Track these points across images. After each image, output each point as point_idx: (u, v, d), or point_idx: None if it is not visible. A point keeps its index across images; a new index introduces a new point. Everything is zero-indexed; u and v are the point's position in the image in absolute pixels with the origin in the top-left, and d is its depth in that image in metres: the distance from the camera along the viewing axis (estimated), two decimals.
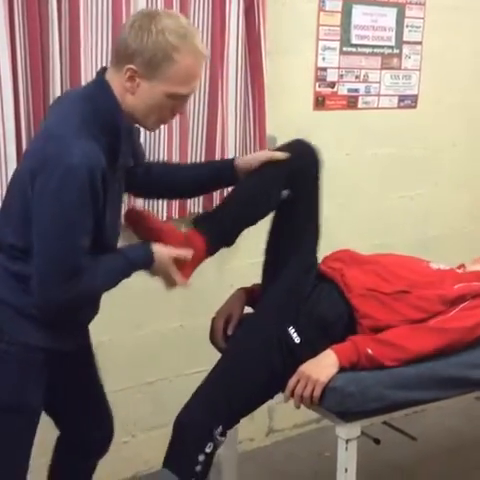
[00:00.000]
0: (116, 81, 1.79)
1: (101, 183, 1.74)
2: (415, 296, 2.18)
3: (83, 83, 2.32)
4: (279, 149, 2.15)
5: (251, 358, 2.09)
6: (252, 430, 3.20)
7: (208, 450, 2.04)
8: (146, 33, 1.73)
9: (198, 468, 2.03)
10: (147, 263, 1.93)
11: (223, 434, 2.06)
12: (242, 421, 3.05)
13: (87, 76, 2.36)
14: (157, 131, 2.50)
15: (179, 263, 1.98)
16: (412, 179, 3.47)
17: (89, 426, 2.16)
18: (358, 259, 2.30)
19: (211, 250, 2.08)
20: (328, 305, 2.14)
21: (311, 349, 2.05)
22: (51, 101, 2.29)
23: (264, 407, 3.16)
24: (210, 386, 2.11)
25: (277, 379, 2.07)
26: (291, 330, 2.08)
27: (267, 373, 2.07)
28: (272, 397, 2.15)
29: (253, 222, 2.14)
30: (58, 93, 2.30)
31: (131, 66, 1.76)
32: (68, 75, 2.37)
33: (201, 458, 2.03)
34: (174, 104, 1.83)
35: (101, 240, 1.84)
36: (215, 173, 2.16)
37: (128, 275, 1.91)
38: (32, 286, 1.79)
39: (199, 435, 2.04)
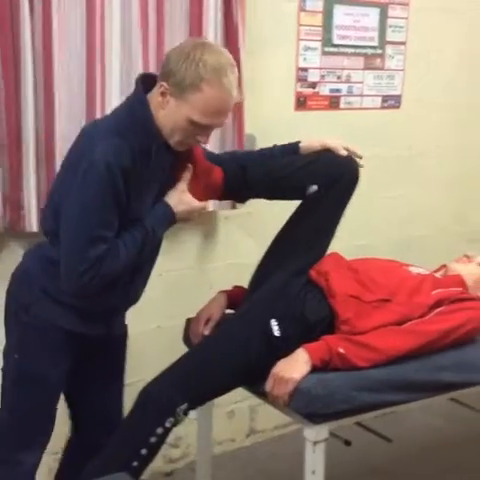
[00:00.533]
0: (154, 95, 1.93)
1: (122, 179, 1.85)
2: (395, 304, 2.20)
3: (56, 97, 2.37)
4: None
5: (230, 344, 2.11)
6: (233, 431, 3.21)
7: (168, 425, 2.04)
8: (184, 57, 1.86)
9: (153, 439, 2.03)
10: (171, 222, 2.05)
11: (186, 412, 2.06)
12: (223, 422, 3.09)
13: (60, 88, 2.39)
14: None
15: (191, 188, 2.05)
16: (395, 180, 3.46)
17: (98, 429, 2.21)
18: (343, 264, 2.31)
19: (223, 192, 2.19)
20: (312, 307, 2.15)
21: (288, 345, 2.06)
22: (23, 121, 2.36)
23: (245, 408, 3.21)
24: (184, 363, 2.13)
25: (250, 368, 2.08)
26: (273, 322, 2.10)
27: (242, 361, 2.08)
28: (240, 385, 2.16)
29: (270, 198, 2.29)
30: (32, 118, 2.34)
31: (164, 83, 1.89)
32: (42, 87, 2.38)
33: (159, 431, 2.03)
34: (195, 131, 1.93)
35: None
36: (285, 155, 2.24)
37: (155, 241, 2.04)
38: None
39: (163, 408, 2.05)
